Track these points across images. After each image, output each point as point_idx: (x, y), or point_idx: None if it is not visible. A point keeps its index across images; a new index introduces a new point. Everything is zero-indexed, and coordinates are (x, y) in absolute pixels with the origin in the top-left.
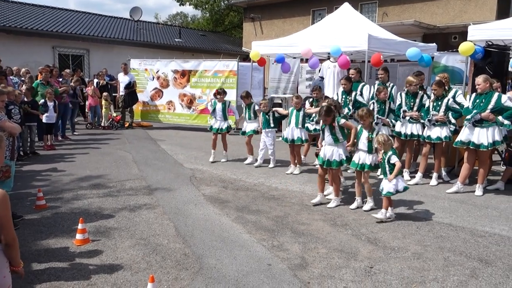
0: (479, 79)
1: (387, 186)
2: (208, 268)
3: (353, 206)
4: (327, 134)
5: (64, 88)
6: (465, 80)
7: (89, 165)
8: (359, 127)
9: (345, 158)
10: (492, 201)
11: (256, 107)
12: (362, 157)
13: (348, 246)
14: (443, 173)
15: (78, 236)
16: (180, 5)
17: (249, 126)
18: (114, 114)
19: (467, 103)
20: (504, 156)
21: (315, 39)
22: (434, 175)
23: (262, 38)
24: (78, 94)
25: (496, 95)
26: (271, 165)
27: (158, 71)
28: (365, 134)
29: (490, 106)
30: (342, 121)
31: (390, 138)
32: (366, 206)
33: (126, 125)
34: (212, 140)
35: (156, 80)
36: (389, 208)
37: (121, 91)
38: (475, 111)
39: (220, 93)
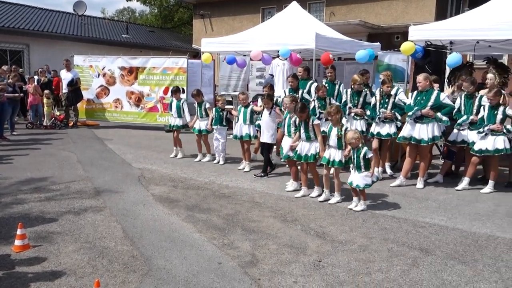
0: (420, 77)
1: (362, 180)
2: (157, 270)
3: (321, 198)
4: (302, 130)
5: (0, 86)
6: (406, 78)
7: (29, 167)
8: (328, 126)
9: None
10: (432, 193)
11: (208, 105)
12: (332, 153)
13: (298, 241)
14: (387, 168)
15: (17, 242)
16: (127, 0)
17: (201, 125)
18: (57, 113)
19: (408, 100)
20: (443, 151)
21: (265, 37)
22: (380, 169)
23: (212, 35)
24: (17, 91)
25: (435, 92)
26: (221, 162)
27: (104, 68)
28: (334, 131)
29: (430, 103)
30: (316, 121)
31: (360, 134)
32: (333, 200)
33: (71, 124)
34: (173, 136)
35: (102, 77)
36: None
37: (64, 89)
38: (416, 107)
39: (175, 91)
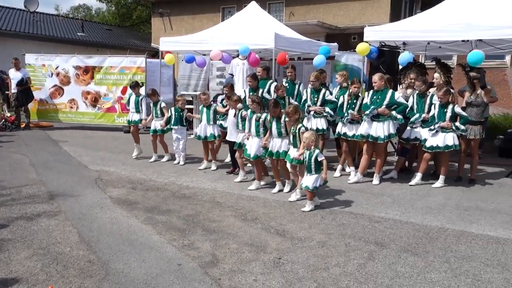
0: (375, 77)
1: (311, 181)
2: (115, 274)
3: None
4: (274, 127)
5: None
6: (362, 77)
7: None
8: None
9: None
10: (387, 189)
11: (163, 105)
12: (290, 152)
13: (258, 240)
14: (346, 166)
15: None
16: None
17: (157, 125)
18: (8, 114)
19: (365, 99)
20: (397, 148)
21: (225, 37)
22: (339, 167)
23: (172, 34)
24: None
25: (390, 92)
26: (181, 162)
27: (57, 67)
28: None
29: (385, 102)
30: (303, 129)
31: (316, 135)
32: (292, 197)
33: (22, 125)
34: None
35: (55, 77)
36: (314, 199)
37: (13, 89)
38: (373, 106)
39: (134, 86)
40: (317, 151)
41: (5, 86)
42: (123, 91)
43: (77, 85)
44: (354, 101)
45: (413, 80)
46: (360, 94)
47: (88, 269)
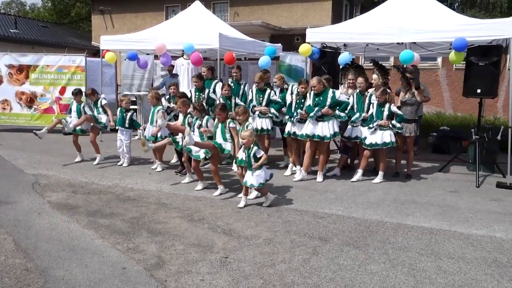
0: (314, 81)
1: (254, 179)
2: (55, 281)
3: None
4: (219, 131)
5: None
6: (305, 77)
7: None
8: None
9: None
10: (330, 186)
11: (104, 101)
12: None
13: (205, 240)
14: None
15: None
16: None
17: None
18: None
19: (307, 101)
20: (340, 146)
21: (169, 36)
22: (290, 165)
23: (114, 32)
24: None
25: (330, 92)
26: (125, 164)
27: None
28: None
29: (328, 103)
30: (232, 124)
31: (253, 133)
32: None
33: None
34: (73, 142)
35: None
36: (268, 194)
37: None
38: (317, 108)
39: (77, 93)
40: (255, 147)
41: None
42: (62, 92)
43: (10, 85)
44: (302, 100)
45: (351, 81)
46: (308, 94)
47: (25, 277)
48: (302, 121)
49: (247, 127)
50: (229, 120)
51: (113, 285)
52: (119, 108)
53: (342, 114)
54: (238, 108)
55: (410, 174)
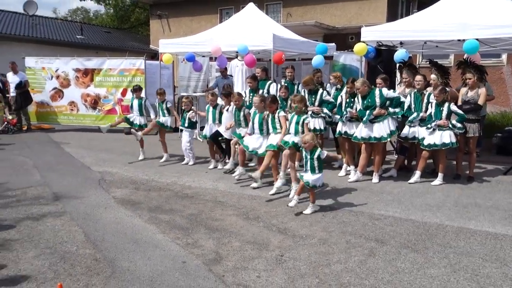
0: (358, 84)
1: (312, 178)
2: (121, 271)
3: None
4: (270, 123)
5: None
6: (360, 77)
7: None
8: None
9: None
10: (386, 187)
11: (169, 104)
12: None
13: (260, 238)
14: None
15: None
16: (81, 0)
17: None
18: (10, 117)
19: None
20: (396, 146)
21: (223, 38)
22: (344, 166)
23: (170, 36)
24: None
25: (377, 91)
26: (191, 162)
27: (57, 69)
28: (295, 118)
29: (377, 103)
30: (282, 113)
31: (315, 134)
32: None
33: (25, 128)
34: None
35: (55, 80)
36: (315, 203)
37: (12, 92)
38: (368, 112)
39: (136, 89)
40: (318, 149)
41: (6, 90)
42: (123, 93)
43: (77, 87)
44: (352, 99)
45: (406, 79)
46: (356, 98)
47: (94, 267)
48: (352, 120)
49: (304, 120)
50: (278, 110)
51: (174, 277)
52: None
53: (397, 110)
54: (294, 96)
55: (472, 177)
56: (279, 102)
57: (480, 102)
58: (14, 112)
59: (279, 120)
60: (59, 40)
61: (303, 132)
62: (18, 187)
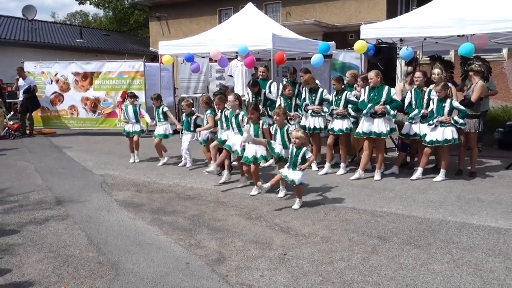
0: (372, 74)
1: (297, 176)
2: (125, 274)
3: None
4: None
5: None
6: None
7: None
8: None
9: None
10: (388, 184)
11: (166, 109)
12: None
13: (263, 237)
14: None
15: None
16: (79, 3)
17: (157, 130)
18: (11, 122)
19: (361, 96)
20: (398, 143)
21: (223, 39)
22: (342, 165)
23: (170, 37)
24: None
25: (386, 88)
26: (188, 164)
27: (56, 74)
28: (279, 132)
29: (383, 99)
30: (266, 125)
31: (305, 132)
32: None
33: (27, 132)
34: (129, 144)
35: (55, 84)
36: (302, 198)
37: (20, 97)
38: (370, 104)
39: (131, 96)
40: (305, 148)
41: (6, 95)
42: (123, 96)
43: (76, 91)
44: (339, 97)
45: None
46: (362, 89)
47: (98, 270)
48: (338, 116)
49: (287, 130)
50: (262, 121)
51: (178, 278)
52: (184, 114)
53: (392, 112)
54: (277, 108)
55: (474, 172)
56: (283, 101)
57: (473, 98)
58: (17, 116)
59: (263, 132)
60: (59, 44)
61: (289, 141)
62: (20, 192)
